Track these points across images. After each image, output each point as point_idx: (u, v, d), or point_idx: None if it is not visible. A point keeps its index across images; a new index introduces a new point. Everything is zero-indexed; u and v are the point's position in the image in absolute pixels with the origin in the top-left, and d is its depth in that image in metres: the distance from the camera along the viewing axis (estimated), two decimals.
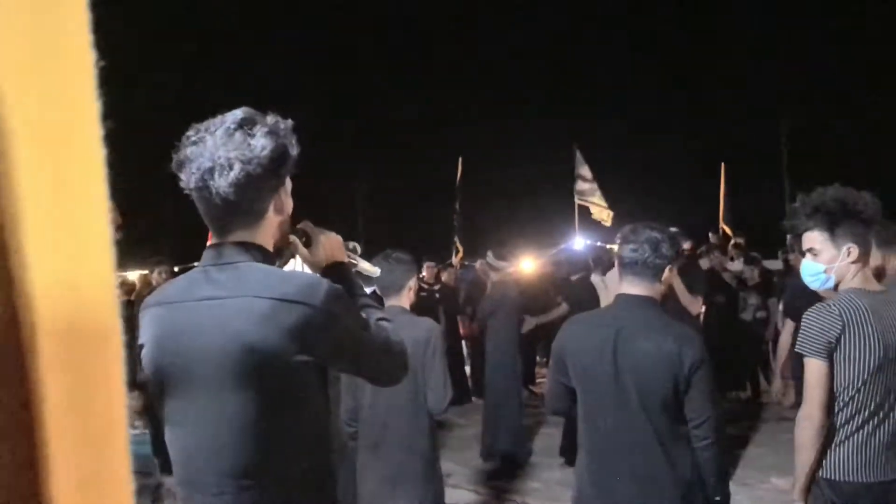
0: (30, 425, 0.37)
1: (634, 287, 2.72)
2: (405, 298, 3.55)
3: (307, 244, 1.83)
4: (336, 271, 1.79)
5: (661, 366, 2.55)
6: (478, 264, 10.70)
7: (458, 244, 13.27)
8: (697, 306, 5.58)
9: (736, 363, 8.86)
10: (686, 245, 5.79)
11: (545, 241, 14.51)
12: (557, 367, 2.84)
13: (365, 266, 2.04)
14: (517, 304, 7.40)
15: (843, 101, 24.74)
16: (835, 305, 2.52)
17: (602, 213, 11.52)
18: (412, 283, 3.60)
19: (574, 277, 7.45)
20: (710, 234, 13.55)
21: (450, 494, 5.90)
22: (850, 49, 26.30)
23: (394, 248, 3.69)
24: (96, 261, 0.39)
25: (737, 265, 10.80)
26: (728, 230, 14.17)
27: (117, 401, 0.40)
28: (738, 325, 9.01)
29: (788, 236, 13.61)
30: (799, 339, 2.59)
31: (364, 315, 1.72)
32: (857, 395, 2.48)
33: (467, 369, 10.04)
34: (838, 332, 2.48)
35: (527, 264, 10.70)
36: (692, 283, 5.61)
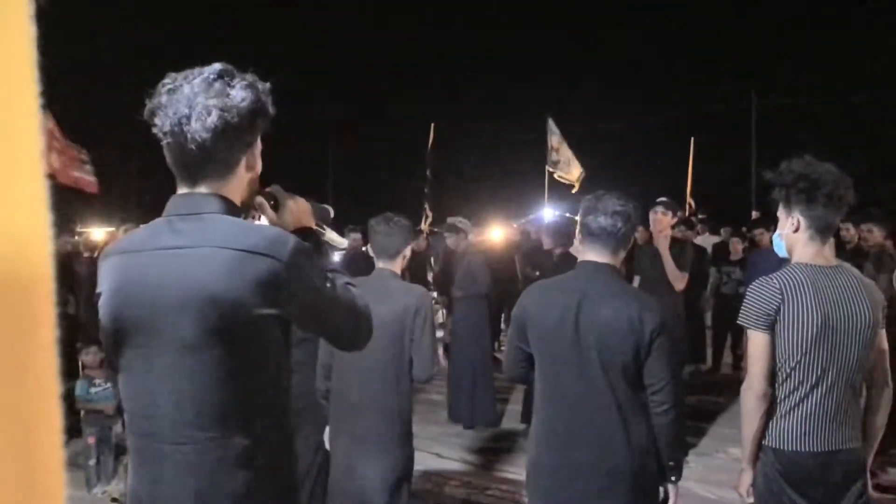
0: None
1: (600, 255, 2.77)
2: (398, 264, 3.53)
3: (275, 208, 1.80)
4: (303, 238, 1.75)
5: (623, 331, 2.61)
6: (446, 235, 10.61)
7: (428, 210, 13.25)
8: (682, 282, 5.60)
9: (696, 335, 9.01)
10: (671, 216, 5.75)
11: (515, 210, 14.54)
12: (517, 333, 2.87)
13: (332, 236, 2.02)
14: (487, 272, 7.44)
15: (815, 78, 24.93)
16: (776, 279, 2.58)
17: (570, 176, 11.50)
18: (407, 250, 3.57)
19: (557, 251, 7.35)
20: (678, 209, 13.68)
21: None
22: (823, 25, 26.46)
23: (363, 213, 3.69)
24: (30, 214, 0.38)
25: (701, 240, 10.95)
26: (693, 205, 14.32)
27: (48, 356, 0.39)
28: (700, 299, 9.13)
29: (754, 212, 13.81)
30: (741, 311, 2.65)
31: (331, 276, 1.71)
32: (798, 367, 2.55)
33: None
34: (777, 304, 2.54)
35: (495, 233, 10.74)
36: (680, 260, 5.63)
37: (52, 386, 0.41)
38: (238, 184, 1.68)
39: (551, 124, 11.44)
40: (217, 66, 1.60)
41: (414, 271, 9.75)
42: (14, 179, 0.39)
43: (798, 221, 2.61)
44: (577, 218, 2.88)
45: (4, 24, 0.38)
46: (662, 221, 5.66)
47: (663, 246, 5.56)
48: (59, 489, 0.42)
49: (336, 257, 4.54)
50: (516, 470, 5.56)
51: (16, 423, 0.39)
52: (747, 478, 2.69)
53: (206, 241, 1.56)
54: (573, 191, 11.48)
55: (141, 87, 1.59)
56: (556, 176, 11.43)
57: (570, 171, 11.42)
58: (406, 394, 3.41)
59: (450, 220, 7.85)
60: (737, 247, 9.25)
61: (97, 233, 11.91)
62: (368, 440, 3.36)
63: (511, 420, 7.15)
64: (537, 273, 7.58)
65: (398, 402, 3.38)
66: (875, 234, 6.40)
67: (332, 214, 4.06)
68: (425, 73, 32.62)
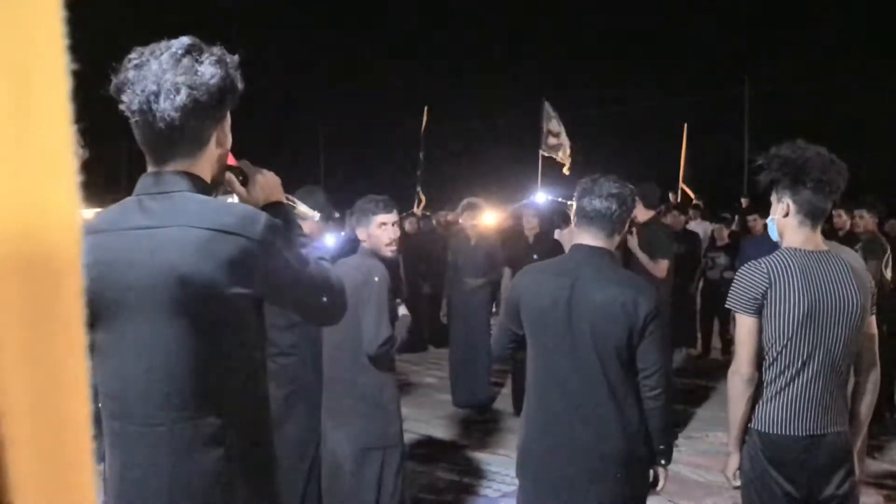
0: None
1: (595, 239, 2.77)
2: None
3: (244, 183, 1.78)
4: (274, 211, 1.72)
5: (617, 315, 2.62)
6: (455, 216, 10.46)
7: (421, 194, 13.22)
8: (660, 271, 5.62)
9: (687, 320, 9.05)
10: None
11: (508, 194, 14.53)
12: (509, 314, 2.88)
13: (303, 209, 2.01)
14: (502, 258, 7.44)
15: (807, 64, 24.90)
16: (764, 263, 2.59)
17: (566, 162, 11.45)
18: (361, 233, 3.66)
19: (533, 234, 7.34)
20: (669, 194, 13.72)
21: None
22: (818, 11, 26.41)
23: (357, 195, 3.77)
24: (61, 197, 0.38)
25: (695, 225, 10.98)
26: (688, 190, 14.34)
27: (77, 338, 0.40)
28: (691, 283, 9.16)
29: (743, 198, 13.84)
30: (729, 295, 2.66)
31: (304, 252, 1.70)
32: (784, 350, 2.56)
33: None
34: (765, 288, 2.55)
35: (488, 217, 10.73)
36: (656, 247, 5.64)
37: (81, 363, 0.42)
38: (208, 161, 1.66)
39: (548, 107, 11.39)
40: (185, 39, 1.57)
41: (406, 255, 9.73)
42: (44, 158, 0.39)
43: (787, 206, 2.62)
44: (571, 202, 2.89)
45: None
46: None
47: (632, 244, 5.55)
48: (89, 468, 0.42)
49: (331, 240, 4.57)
50: (508, 452, 5.59)
51: (47, 401, 0.40)
52: (734, 461, 2.72)
53: (175, 221, 1.54)
54: (565, 170, 11.41)
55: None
56: (557, 158, 11.36)
57: (567, 153, 11.37)
58: (369, 368, 3.49)
59: (467, 199, 7.69)
60: (722, 233, 9.28)
61: (87, 212, 11.89)
62: (338, 412, 3.54)
63: (502, 401, 7.19)
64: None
65: (363, 377, 3.49)
66: (866, 220, 6.43)
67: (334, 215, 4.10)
68: (419, 55, 32.48)
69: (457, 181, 18.38)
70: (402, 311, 3.71)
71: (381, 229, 3.61)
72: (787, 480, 2.55)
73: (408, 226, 10.61)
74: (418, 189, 13.26)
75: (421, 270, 9.86)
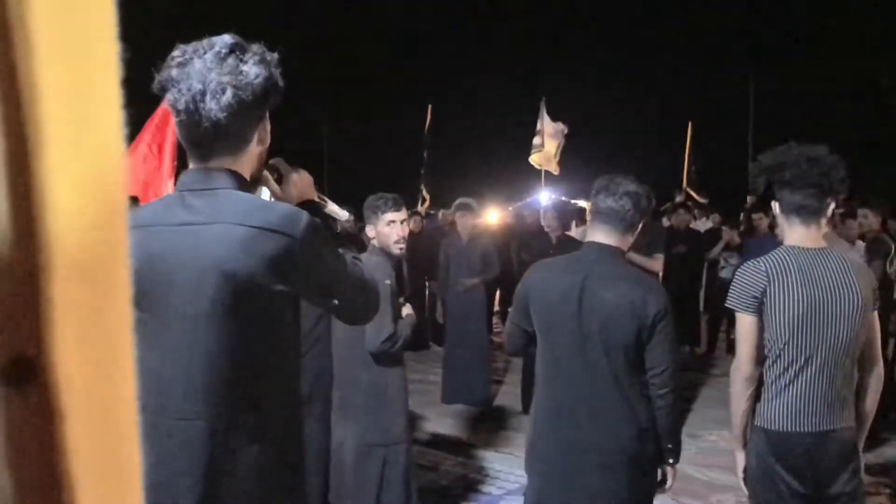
0: (42, 350, 0.38)
1: (607, 237, 2.77)
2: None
3: (279, 181, 1.81)
4: (306, 210, 1.75)
5: (627, 314, 2.63)
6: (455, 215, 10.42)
7: (425, 193, 13.21)
8: (657, 265, 5.66)
9: (690, 318, 9.04)
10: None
11: (512, 194, 14.54)
12: (519, 310, 2.89)
13: (333, 208, 2.04)
14: (498, 256, 7.47)
15: (813, 64, 24.88)
16: (762, 262, 2.61)
17: (548, 162, 11.29)
18: (370, 231, 3.73)
19: (556, 234, 7.32)
20: (676, 194, 13.71)
21: None
22: (822, 10, 26.37)
23: (360, 193, 3.78)
24: (113, 181, 0.40)
25: (701, 224, 10.97)
26: (691, 191, 14.30)
27: (125, 321, 0.41)
28: (697, 282, 9.15)
29: (749, 197, 13.79)
30: (729, 294, 2.68)
31: (341, 251, 1.74)
32: (786, 348, 2.57)
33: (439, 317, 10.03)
34: (763, 286, 2.57)
35: (491, 216, 10.75)
36: (651, 244, 5.67)
37: (129, 345, 0.43)
38: (249, 159, 1.68)
39: (542, 109, 11.33)
40: (227, 38, 1.58)
41: (411, 254, 9.72)
42: (99, 144, 0.40)
43: (776, 207, 2.66)
44: (574, 201, 2.90)
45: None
46: None
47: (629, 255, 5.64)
48: (135, 441, 0.44)
49: None
50: (512, 450, 5.61)
51: (99, 377, 0.41)
52: (741, 459, 2.73)
53: (219, 218, 1.56)
54: (540, 166, 11.28)
55: (135, 55, 1.56)
56: (530, 160, 11.22)
57: (543, 156, 11.19)
58: (373, 365, 3.51)
59: (460, 199, 7.77)
60: (734, 235, 9.23)
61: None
62: (342, 408, 3.58)
63: (506, 400, 7.21)
64: (523, 256, 7.56)
65: (368, 374, 3.52)
66: (870, 220, 6.43)
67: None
68: (423, 54, 32.54)
69: (461, 180, 18.41)
70: (407, 310, 3.72)
71: (390, 227, 3.66)
72: (795, 477, 2.56)
73: (412, 224, 10.61)
74: (422, 188, 13.25)
75: (425, 269, 9.86)
